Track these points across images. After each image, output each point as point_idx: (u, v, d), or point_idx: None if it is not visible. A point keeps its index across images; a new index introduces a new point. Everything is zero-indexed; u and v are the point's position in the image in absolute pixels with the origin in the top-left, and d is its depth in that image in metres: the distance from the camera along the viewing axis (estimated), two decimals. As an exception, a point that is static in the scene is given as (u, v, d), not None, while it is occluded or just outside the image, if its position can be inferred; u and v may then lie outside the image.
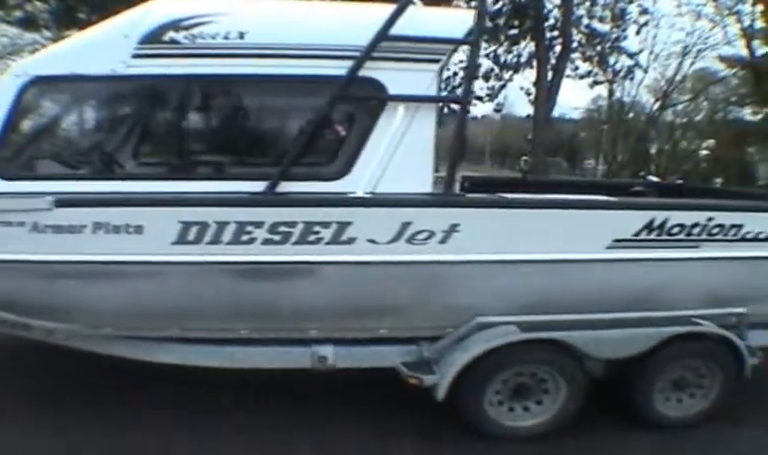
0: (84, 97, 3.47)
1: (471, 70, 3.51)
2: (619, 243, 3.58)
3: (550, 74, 14.04)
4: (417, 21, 3.36)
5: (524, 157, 6.37)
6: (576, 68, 15.46)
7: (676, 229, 3.64)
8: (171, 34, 3.24)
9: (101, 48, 3.30)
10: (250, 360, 3.60)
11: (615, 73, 16.76)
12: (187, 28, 3.25)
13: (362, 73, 3.30)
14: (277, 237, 3.27)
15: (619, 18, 14.94)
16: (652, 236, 3.61)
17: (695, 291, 3.87)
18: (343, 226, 3.28)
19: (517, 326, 3.57)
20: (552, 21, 14.35)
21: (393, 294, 3.48)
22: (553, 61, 14.33)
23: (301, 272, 3.36)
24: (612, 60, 15.84)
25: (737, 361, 3.84)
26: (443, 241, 3.36)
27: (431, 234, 3.35)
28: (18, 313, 3.44)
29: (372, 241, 3.32)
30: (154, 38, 3.24)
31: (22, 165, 3.38)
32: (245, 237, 3.25)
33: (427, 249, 3.36)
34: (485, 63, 16.77)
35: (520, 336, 3.52)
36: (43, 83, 3.29)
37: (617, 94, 21.51)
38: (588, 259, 3.58)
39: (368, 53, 3.25)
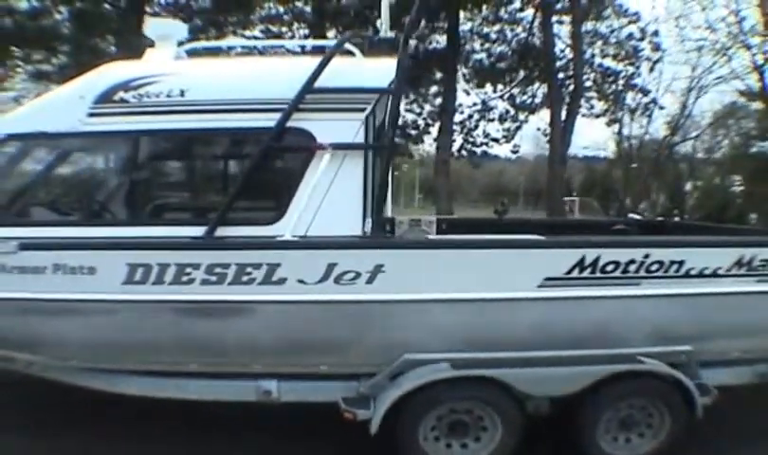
0: (49, 151, 3.83)
1: (393, 117, 3.68)
2: (551, 281, 3.62)
3: (564, 114, 14.07)
4: (343, 72, 3.62)
5: (502, 199, 6.44)
6: (592, 107, 15.44)
7: (610, 267, 3.66)
8: (121, 94, 3.60)
9: (62, 108, 3.69)
10: (200, 393, 3.79)
11: (632, 111, 16.65)
12: (135, 89, 3.61)
13: (292, 124, 3.55)
14: (213, 278, 3.49)
15: (632, 56, 14.95)
16: (585, 274, 3.64)
17: (641, 329, 3.85)
18: (273, 267, 3.47)
19: (450, 363, 3.64)
20: (563, 61, 14.45)
21: (326, 332, 3.62)
22: (567, 100, 14.38)
23: (237, 310, 3.55)
24: (628, 97, 15.75)
25: (686, 400, 3.76)
26: (369, 281, 3.50)
27: (357, 274, 3.49)
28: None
29: (301, 281, 3.50)
30: (106, 98, 3.62)
31: None
32: (184, 278, 3.49)
33: (355, 289, 3.50)
34: (501, 106, 17.15)
35: (448, 374, 3.57)
36: (13, 140, 3.69)
37: (636, 131, 21.22)
38: (519, 297, 3.63)
39: (294, 105, 3.51)
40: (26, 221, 3.74)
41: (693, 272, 3.75)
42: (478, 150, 18.49)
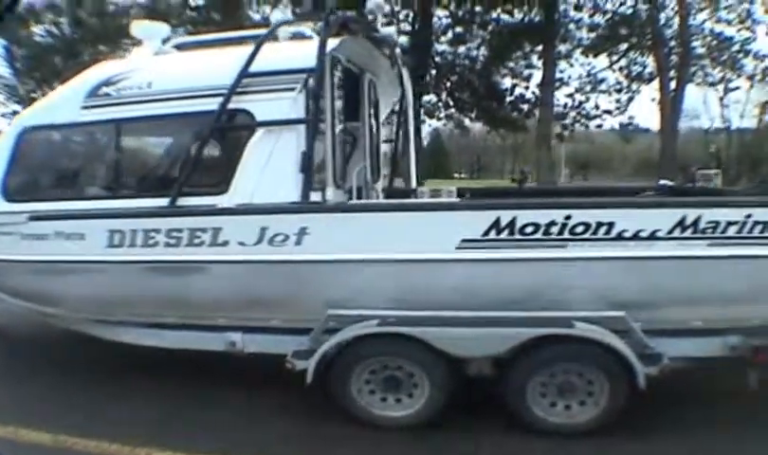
0: (58, 139, 4.70)
1: (316, 93, 3.94)
2: (468, 243, 3.66)
3: (673, 84, 12.89)
4: (275, 56, 3.98)
5: (522, 168, 6.37)
6: (707, 75, 13.90)
7: (529, 229, 3.60)
8: (104, 89, 4.34)
9: (65, 103, 4.51)
10: (178, 342, 4.43)
11: (751, 78, 14.63)
12: (114, 83, 4.33)
13: (234, 106, 4.01)
14: (172, 241, 4.07)
15: (745, 19, 13.18)
16: (503, 236, 3.62)
17: (576, 293, 3.74)
18: (216, 231, 3.95)
19: (380, 321, 3.84)
20: (672, 29, 13.21)
21: (266, 289, 4.02)
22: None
23: (193, 269, 4.09)
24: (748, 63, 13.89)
25: (626, 369, 3.58)
26: (298, 242, 3.84)
27: (287, 237, 3.85)
28: (24, 300, 4.73)
29: (241, 243, 3.94)
30: (94, 93, 4.38)
31: (19, 190, 4.63)
32: (151, 241, 4.10)
33: (286, 250, 3.86)
34: (612, 77, 16.09)
35: (369, 330, 3.77)
36: (31, 131, 4.59)
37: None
38: (438, 259, 3.73)
39: (233, 89, 3.95)
40: (36, 197, 4.61)
41: (627, 235, 3.55)
42: (591, 123, 17.60)
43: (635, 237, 3.55)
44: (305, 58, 3.95)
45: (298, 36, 4.60)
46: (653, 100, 14.37)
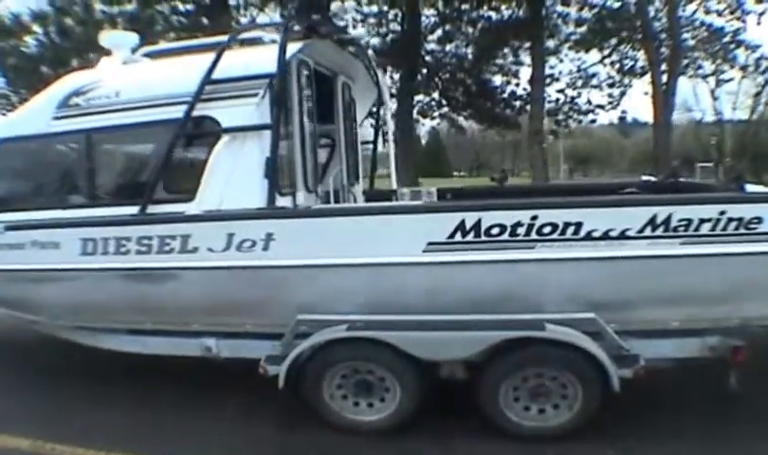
0: (32, 150, 4.66)
1: (279, 99, 3.92)
2: (435, 246, 3.62)
3: (665, 77, 12.84)
4: (238, 63, 3.97)
5: (502, 167, 6.35)
6: (699, 67, 13.83)
7: (495, 230, 3.54)
8: (74, 99, 4.33)
9: (37, 114, 4.50)
10: (157, 348, 4.43)
11: (743, 68, 14.53)
12: (84, 94, 4.31)
13: (199, 113, 3.99)
14: (143, 248, 4.05)
15: (736, 9, 13.09)
16: (469, 238, 3.56)
17: (548, 295, 3.69)
18: (185, 238, 3.94)
19: (349, 325, 3.80)
20: (661, 22, 13.14)
21: (237, 294, 4.00)
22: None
23: (165, 276, 4.07)
24: (740, 55, 13.81)
25: (599, 371, 3.53)
26: (265, 248, 3.82)
27: (254, 243, 3.83)
28: (6, 308, 4.74)
29: (210, 249, 3.92)
30: (64, 104, 4.36)
31: None
32: (122, 249, 4.09)
33: (254, 256, 3.83)
34: (603, 72, 16.06)
35: (337, 335, 3.75)
36: (5, 143, 4.58)
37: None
38: (405, 262, 3.69)
39: (197, 97, 3.93)
40: (12, 207, 4.57)
41: (596, 234, 3.48)
42: (583, 118, 17.54)
43: (605, 237, 3.48)
44: (268, 63, 3.92)
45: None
46: (646, 93, 14.37)
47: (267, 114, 3.94)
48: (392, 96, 17.85)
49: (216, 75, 3.97)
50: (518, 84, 17.85)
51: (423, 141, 65.34)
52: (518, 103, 17.66)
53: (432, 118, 20.19)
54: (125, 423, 4.16)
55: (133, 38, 4.93)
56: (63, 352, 5.12)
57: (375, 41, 17.32)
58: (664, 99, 12.81)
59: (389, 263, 3.72)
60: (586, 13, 14.84)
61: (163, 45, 5.27)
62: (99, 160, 4.48)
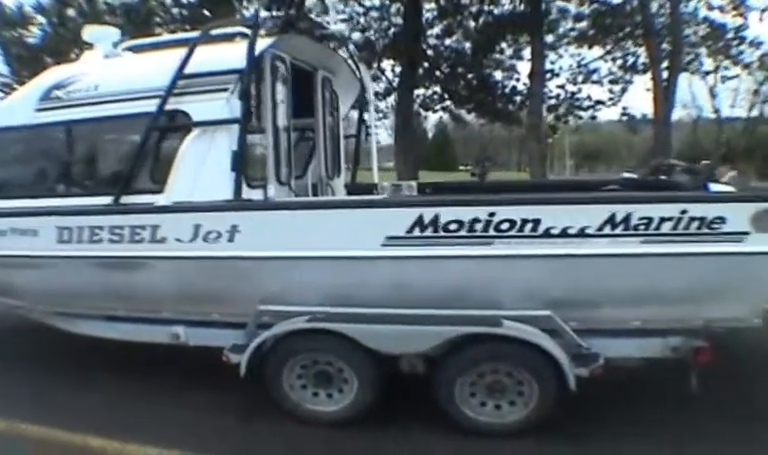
0: (15, 140, 4.79)
1: (244, 93, 3.98)
2: (393, 240, 3.67)
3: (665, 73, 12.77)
4: (210, 58, 4.05)
5: (483, 162, 6.40)
6: (702, 65, 13.71)
7: (453, 226, 3.57)
8: (55, 92, 4.46)
9: (21, 106, 4.65)
10: (130, 334, 4.56)
11: (747, 66, 14.37)
12: (65, 87, 4.45)
13: (172, 107, 4.07)
14: (116, 237, 4.16)
15: (739, 6, 12.95)
16: (427, 233, 3.60)
17: (505, 291, 3.72)
18: (155, 228, 4.03)
19: (310, 317, 3.89)
20: (663, 18, 13.05)
21: (203, 284, 4.10)
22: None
23: (135, 264, 4.17)
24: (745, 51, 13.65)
25: (555, 369, 3.56)
26: (230, 239, 3.90)
27: (219, 234, 3.91)
28: None
29: (179, 240, 4.01)
30: (46, 96, 4.51)
31: None
32: (96, 237, 4.20)
33: (219, 247, 3.92)
34: (604, 67, 15.98)
35: (297, 326, 3.83)
36: None
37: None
38: (364, 256, 3.75)
39: (169, 91, 4.02)
40: (6, 195, 4.71)
41: (554, 232, 3.49)
42: (584, 114, 17.48)
43: (563, 234, 3.49)
44: (239, 59, 3.99)
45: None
46: (648, 90, 14.28)
47: (237, 108, 4.00)
48: (393, 89, 18.17)
49: (189, 70, 4.05)
50: (518, 79, 17.90)
51: (430, 134, 65.50)
52: (518, 98, 17.63)
53: (434, 112, 20.24)
54: (101, 409, 4.31)
55: (114, 32, 5.07)
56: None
57: (376, 35, 17.44)
58: (664, 95, 12.72)
59: (349, 256, 3.78)
60: (586, 9, 14.74)
61: (144, 39, 5.33)
62: (77, 151, 4.63)
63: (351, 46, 5.58)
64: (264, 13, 4.30)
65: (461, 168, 50.93)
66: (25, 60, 17.57)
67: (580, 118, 17.96)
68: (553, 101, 17.23)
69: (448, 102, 19.10)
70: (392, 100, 18.24)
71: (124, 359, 4.92)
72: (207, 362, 4.24)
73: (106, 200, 4.26)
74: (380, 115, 20.60)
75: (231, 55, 4.11)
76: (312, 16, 4.83)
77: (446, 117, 23.37)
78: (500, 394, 3.74)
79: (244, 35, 4.46)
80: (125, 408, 4.33)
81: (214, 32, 4.44)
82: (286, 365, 3.95)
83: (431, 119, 50.11)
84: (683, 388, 3.66)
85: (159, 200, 4.15)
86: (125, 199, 4.22)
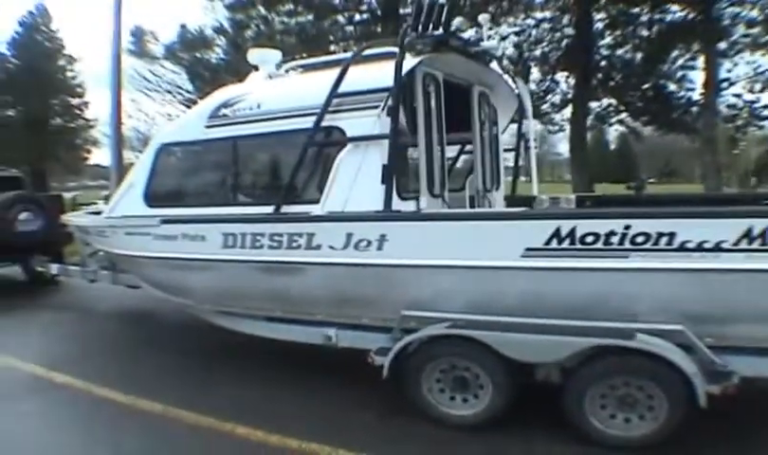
0: (187, 154, 6.05)
1: (394, 111, 4.67)
2: (532, 251, 4.19)
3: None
4: (362, 77, 4.93)
5: (640, 176, 6.44)
6: None
7: (590, 238, 4.01)
8: (223, 110, 5.69)
9: (192, 123, 5.92)
10: (285, 334, 5.55)
11: None
12: (231, 105, 5.65)
13: (328, 123, 5.02)
14: (275, 243, 5.16)
15: None
16: (564, 245, 4.08)
17: (640, 304, 4.04)
18: (311, 236, 4.97)
19: (450, 323, 4.50)
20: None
21: (353, 289, 4.97)
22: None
23: (293, 269, 5.17)
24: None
25: (685, 385, 3.79)
26: (379, 247, 4.69)
27: (369, 242, 4.72)
28: (160, 291, 6.19)
29: (332, 247, 4.91)
30: (215, 114, 5.73)
31: (155, 197, 6.07)
32: (257, 243, 5.27)
33: (369, 254, 4.73)
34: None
35: (438, 331, 4.48)
36: (166, 147, 6.06)
37: None
38: (504, 266, 4.30)
39: (324, 109, 4.96)
40: (168, 203, 5.98)
41: (690, 246, 3.77)
42: (765, 124, 16.22)
43: (699, 248, 3.75)
44: (389, 78, 4.78)
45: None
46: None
47: (388, 125, 4.76)
48: (568, 101, 18.70)
49: (343, 89, 4.94)
50: (693, 89, 17.48)
51: (612, 146, 64.01)
52: (694, 108, 17.19)
53: (610, 125, 19.95)
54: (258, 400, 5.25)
55: (276, 55, 6.22)
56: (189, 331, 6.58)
57: (549, 46, 17.94)
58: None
59: (489, 266, 4.37)
60: (757, 13, 13.85)
61: (304, 60, 6.31)
62: (242, 164, 5.81)
63: (505, 62, 6.03)
64: (412, 34, 4.83)
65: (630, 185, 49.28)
66: (206, 79, 20.48)
67: (761, 127, 16.63)
68: (731, 112, 16.40)
69: (623, 115, 18.99)
70: (567, 112, 18.59)
71: (273, 359, 5.95)
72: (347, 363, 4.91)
73: (268, 209, 5.25)
74: (556, 127, 21.40)
75: (382, 74, 4.91)
76: (462, 35, 5.25)
77: (620, 129, 22.72)
78: (630, 408, 4.08)
79: (387, 56, 5.20)
80: (279, 400, 5.24)
81: (368, 52, 5.27)
82: (426, 368, 4.62)
83: (613, 131, 48.88)
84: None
85: (315, 210, 5.02)
86: (284, 209, 5.18)
